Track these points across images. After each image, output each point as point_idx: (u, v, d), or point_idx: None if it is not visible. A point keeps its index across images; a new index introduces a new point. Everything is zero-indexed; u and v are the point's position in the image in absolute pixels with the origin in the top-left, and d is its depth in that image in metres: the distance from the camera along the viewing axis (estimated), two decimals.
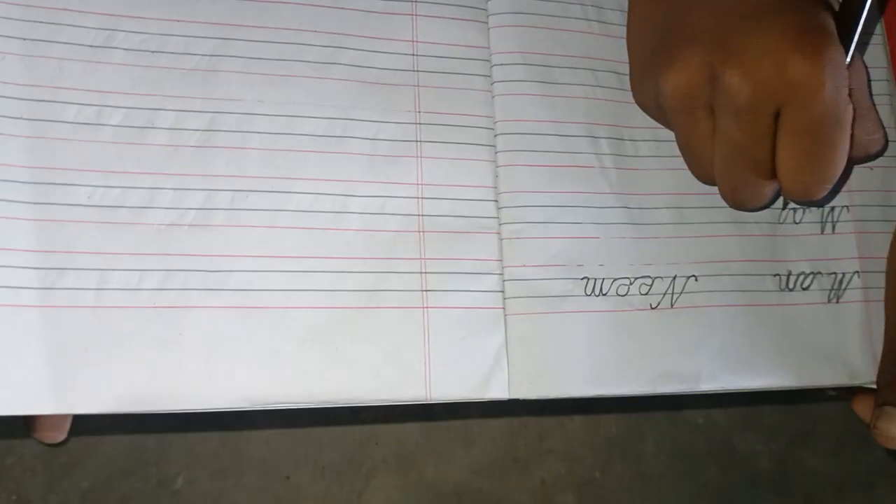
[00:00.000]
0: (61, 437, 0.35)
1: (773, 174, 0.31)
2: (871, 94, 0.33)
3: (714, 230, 0.34)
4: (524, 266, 0.32)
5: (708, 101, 0.30)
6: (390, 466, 0.54)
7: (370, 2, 0.34)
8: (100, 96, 0.30)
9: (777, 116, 0.30)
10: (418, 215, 0.32)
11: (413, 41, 0.34)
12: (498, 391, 0.31)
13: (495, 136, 0.33)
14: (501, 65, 0.34)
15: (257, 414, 0.52)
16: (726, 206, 0.34)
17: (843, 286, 0.34)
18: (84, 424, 0.52)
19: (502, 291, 0.32)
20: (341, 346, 0.30)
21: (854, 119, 0.31)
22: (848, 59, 0.30)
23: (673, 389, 0.32)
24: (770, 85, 0.29)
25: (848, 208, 0.35)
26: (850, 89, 0.31)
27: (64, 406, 0.27)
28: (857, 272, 0.34)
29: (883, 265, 0.35)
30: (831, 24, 0.30)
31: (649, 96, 0.33)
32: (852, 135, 0.31)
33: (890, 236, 0.35)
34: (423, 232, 0.32)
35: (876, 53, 0.37)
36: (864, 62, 0.33)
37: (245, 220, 0.30)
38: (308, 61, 0.32)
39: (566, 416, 0.55)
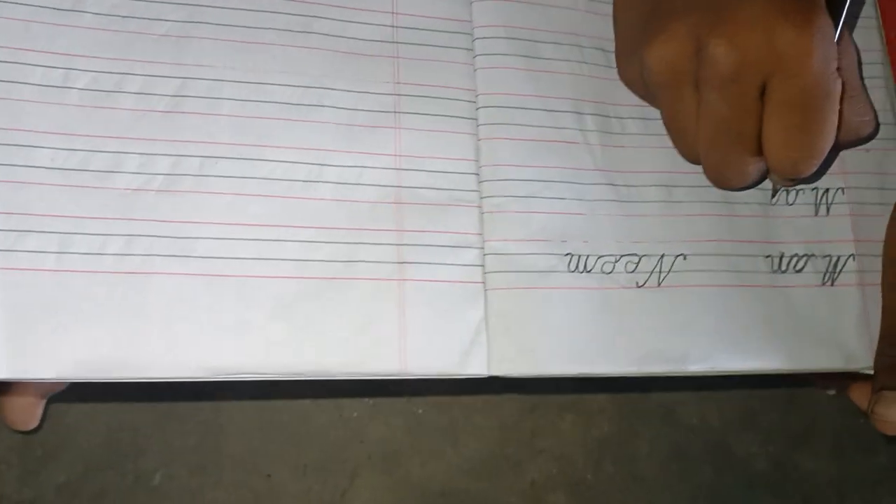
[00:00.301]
0: (33, 423, 0.34)
1: (758, 150, 0.30)
2: (861, 76, 0.32)
3: (704, 209, 0.33)
4: (505, 240, 0.31)
5: (694, 76, 0.30)
6: (375, 465, 0.52)
7: None
8: (67, 59, 0.30)
9: (763, 91, 0.29)
10: (396, 186, 0.31)
11: (393, 13, 0.33)
12: (477, 367, 0.30)
13: (477, 108, 0.32)
14: (484, 38, 0.33)
15: (235, 407, 0.51)
16: None
17: (838, 269, 0.33)
18: (60, 417, 0.51)
19: (482, 266, 0.31)
20: (310, 316, 0.29)
21: (843, 99, 0.30)
22: (836, 35, 0.30)
23: (660, 370, 0.31)
24: (757, 54, 0.28)
25: (843, 190, 0.34)
26: (840, 68, 0.30)
27: (19, 371, 0.26)
28: (853, 255, 0.33)
29: (879, 248, 0.34)
30: None
31: (635, 72, 0.32)
32: (841, 115, 0.30)
33: (886, 219, 0.34)
34: (401, 203, 0.31)
35: (870, 36, 0.36)
36: (854, 43, 0.32)
37: (213, 187, 0.29)
38: (282, 29, 0.32)
39: (558, 415, 0.53)
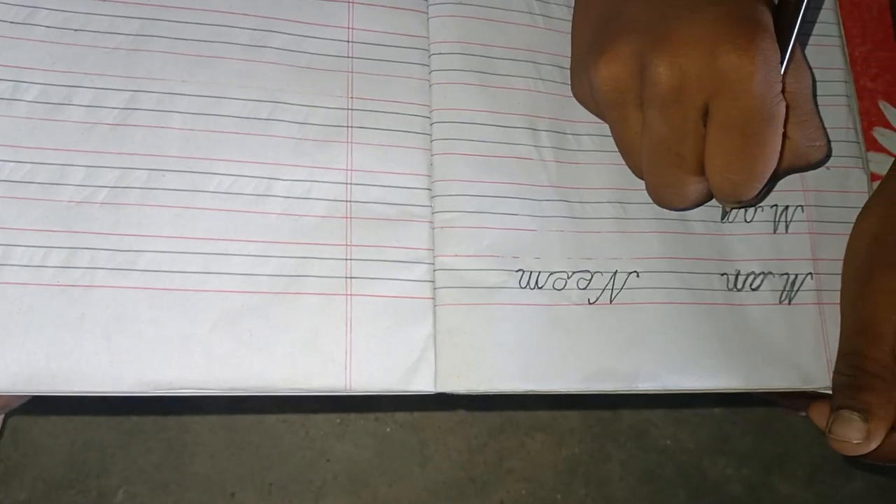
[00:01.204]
0: None
1: (698, 171, 0.30)
2: (815, 100, 0.32)
3: (658, 226, 0.33)
4: (456, 256, 0.31)
5: (638, 95, 0.29)
6: (342, 485, 0.52)
7: None
8: (16, 72, 0.29)
9: (706, 113, 0.28)
10: (346, 201, 0.31)
11: (349, 28, 0.33)
12: (423, 384, 0.29)
13: (431, 124, 0.32)
14: (440, 54, 0.33)
15: (202, 426, 0.51)
16: None
17: (796, 287, 0.33)
18: (24, 434, 0.51)
19: (432, 281, 0.30)
20: (255, 331, 0.28)
21: (795, 124, 0.30)
22: (786, 57, 0.29)
23: (609, 387, 0.30)
24: (697, 75, 0.28)
25: (802, 208, 0.34)
26: (790, 91, 0.29)
27: None
28: (811, 273, 0.33)
29: (838, 267, 0.33)
30: (768, 18, 0.29)
31: (585, 89, 0.32)
32: (790, 140, 0.30)
33: (845, 238, 0.34)
34: (351, 218, 0.30)
35: (832, 55, 0.36)
36: (809, 66, 0.32)
37: (160, 200, 0.29)
38: (237, 43, 0.31)
39: (527, 434, 0.53)
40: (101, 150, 0.29)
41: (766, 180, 0.30)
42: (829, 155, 0.34)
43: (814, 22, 0.37)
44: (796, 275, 0.33)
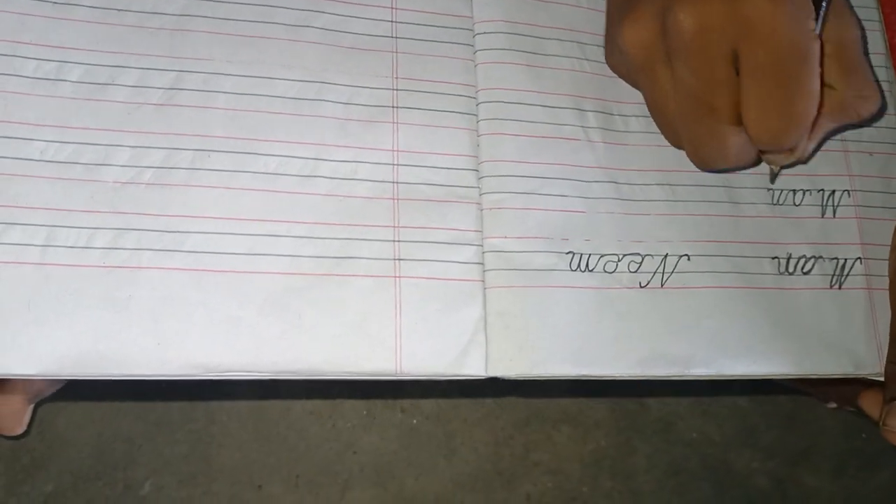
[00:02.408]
0: (20, 428, 0.33)
1: (735, 122, 0.28)
2: (866, 51, 0.30)
3: (708, 209, 0.32)
4: (505, 237, 0.30)
5: (665, 52, 0.28)
6: (368, 477, 0.51)
7: None
8: (61, 52, 0.29)
9: (736, 59, 0.27)
10: (393, 182, 0.30)
11: (392, 8, 0.32)
12: (475, 368, 0.29)
13: (477, 104, 0.32)
14: (485, 33, 0.33)
15: (229, 415, 0.50)
16: (721, 184, 0.33)
17: (846, 272, 0.32)
18: (49, 425, 0.50)
19: (481, 263, 0.30)
20: (303, 313, 0.28)
21: (840, 73, 0.29)
22: (824, 3, 0.28)
23: (663, 373, 0.30)
24: (720, 20, 0.26)
25: (849, 192, 0.33)
26: (833, 40, 0.28)
27: (0, 366, 0.25)
28: (860, 258, 0.33)
29: (885, 252, 0.33)
30: None
31: (617, 56, 0.32)
32: (834, 90, 0.29)
33: (891, 224, 0.33)
34: (398, 199, 0.30)
35: (874, 40, 0.36)
36: (856, 16, 0.30)
37: (206, 181, 0.28)
38: (281, 23, 0.31)
39: (553, 427, 0.52)
40: (147, 131, 0.29)
41: (807, 125, 0.28)
42: (883, 108, 0.33)
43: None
44: (845, 259, 0.33)
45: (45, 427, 0.50)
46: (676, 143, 0.32)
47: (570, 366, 0.29)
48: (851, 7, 0.30)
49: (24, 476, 0.49)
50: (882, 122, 0.35)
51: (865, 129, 0.34)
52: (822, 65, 0.28)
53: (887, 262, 0.33)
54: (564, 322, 0.29)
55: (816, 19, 0.28)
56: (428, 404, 0.54)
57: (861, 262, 0.33)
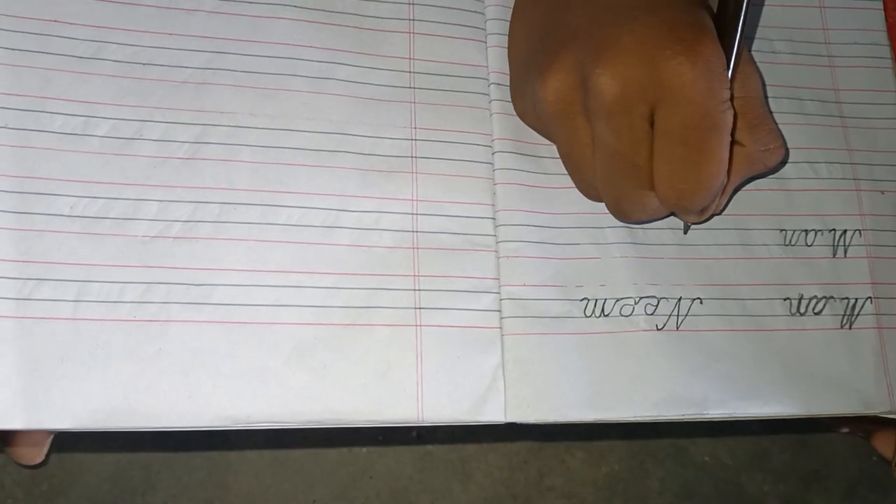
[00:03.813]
0: (39, 458, 0.34)
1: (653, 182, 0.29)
2: (767, 103, 0.31)
3: (719, 252, 0.33)
4: (523, 285, 0.31)
5: (584, 106, 0.29)
6: (384, 502, 0.52)
7: (366, 19, 0.33)
8: (87, 107, 0.30)
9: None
10: (413, 231, 0.31)
11: (410, 59, 0.33)
12: (494, 414, 0.29)
13: (493, 153, 0.32)
14: (499, 84, 0.33)
15: (246, 443, 0.51)
16: (733, 227, 0.33)
17: (856, 312, 0.33)
18: (68, 450, 0.51)
19: (499, 311, 0.31)
20: (329, 363, 0.28)
21: (745, 130, 0.29)
22: (731, 62, 0.29)
23: (679, 415, 0.30)
24: (639, 83, 0.27)
25: (860, 232, 0.34)
26: (739, 97, 0.29)
27: (35, 421, 0.26)
28: (870, 297, 0.33)
29: None
30: (709, 22, 0.28)
31: (528, 106, 0.31)
32: (742, 146, 0.30)
33: None
34: (418, 248, 0.31)
35: (885, 77, 0.37)
36: (757, 69, 0.30)
37: (232, 234, 0.29)
38: (302, 76, 0.32)
39: (567, 451, 0.53)
40: (173, 185, 0.29)
41: (714, 190, 0.29)
42: (786, 159, 0.34)
43: (857, 43, 0.37)
44: (856, 299, 0.33)
45: (64, 454, 0.51)
46: (590, 195, 0.32)
47: (587, 410, 0.30)
48: (753, 60, 0.30)
49: (44, 501, 0.50)
50: (894, 160, 0.35)
51: (877, 167, 0.35)
52: (736, 130, 0.28)
53: None
54: (581, 367, 0.30)
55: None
56: (442, 429, 0.55)
57: (872, 302, 0.33)
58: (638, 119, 0.27)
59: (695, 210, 0.30)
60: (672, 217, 0.33)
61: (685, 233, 0.33)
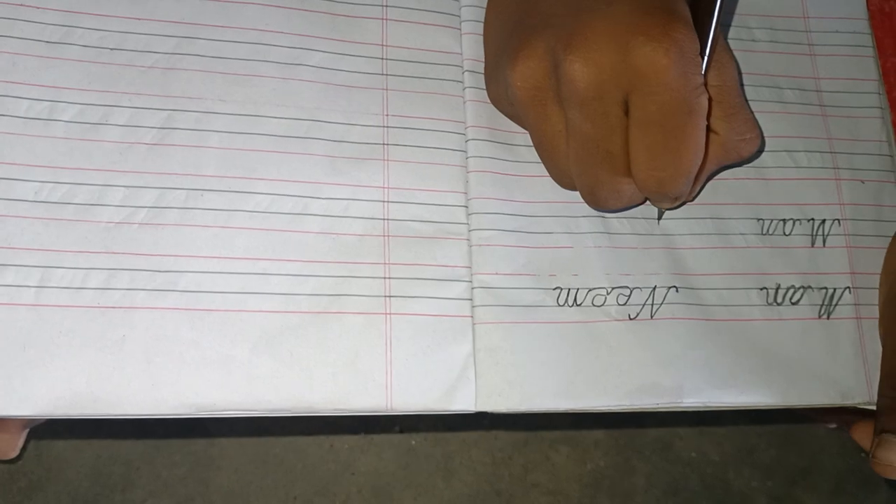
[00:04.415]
0: (13, 453, 0.33)
1: (629, 169, 0.29)
2: (742, 91, 0.30)
3: (695, 242, 0.32)
4: (495, 274, 0.30)
5: (556, 92, 0.28)
6: (366, 499, 0.51)
7: (338, 5, 0.33)
8: (54, 92, 0.29)
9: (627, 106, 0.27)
10: (383, 219, 0.30)
11: (383, 45, 0.33)
12: (464, 403, 0.29)
13: (466, 141, 0.32)
14: (473, 71, 0.33)
15: (226, 433, 0.50)
16: (709, 216, 0.33)
17: (835, 302, 0.33)
18: (47, 448, 0.51)
19: (471, 299, 0.30)
20: (296, 351, 0.28)
21: (721, 117, 0.29)
22: (707, 48, 0.28)
23: (653, 403, 0.30)
24: (612, 70, 0.26)
25: (839, 221, 0.34)
26: (714, 84, 0.29)
27: None
28: (849, 287, 0.33)
29: (875, 281, 0.33)
30: (684, 8, 0.27)
31: (500, 91, 0.31)
32: (716, 133, 0.29)
33: (882, 251, 0.34)
34: (388, 236, 0.30)
35: (866, 66, 0.36)
36: (733, 57, 0.30)
37: (199, 220, 0.29)
38: (272, 61, 0.31)
39: (552, 447, 0.53)
40: (140, 171, 0.29)
41: (692, 175, 0.28)
42: (762, 147, 0.33)
43: (840, 32, 0.37)
44: (835, 289, 0.33)
45: (42, 450, 0.50)
46: (563, 183, 0.31)
47: (559, 399, 0.29)
48: (729, 48, 0.30)
49: (22, 499, 0.50)
50: (875, 149, 0.35)
51: (857, 156, 0.35)
52: (708, 117, 0.28)
53: (877, 291, 0.33)
54: (553, 356, 0.30)
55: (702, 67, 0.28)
56: (426, 425, 0.55)
57: (850, 292, 0.33)
58: (611, 105, 0.27)
59: (671, 196, 0.29)
60: (646, 206, 0.33)
61: (659, 220, 0.32)
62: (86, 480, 0.51)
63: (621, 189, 0.29)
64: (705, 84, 0.28)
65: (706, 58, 0.28)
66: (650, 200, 0.32)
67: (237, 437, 0.51)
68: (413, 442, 0.54)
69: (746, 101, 0.31)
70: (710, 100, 0.28)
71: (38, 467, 0.50)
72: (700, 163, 0.28)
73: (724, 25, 0.35)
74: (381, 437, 0.54)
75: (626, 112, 0.28)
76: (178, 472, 0.51)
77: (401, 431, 0.52)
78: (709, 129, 0.29)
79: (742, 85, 0.32)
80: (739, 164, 0.33)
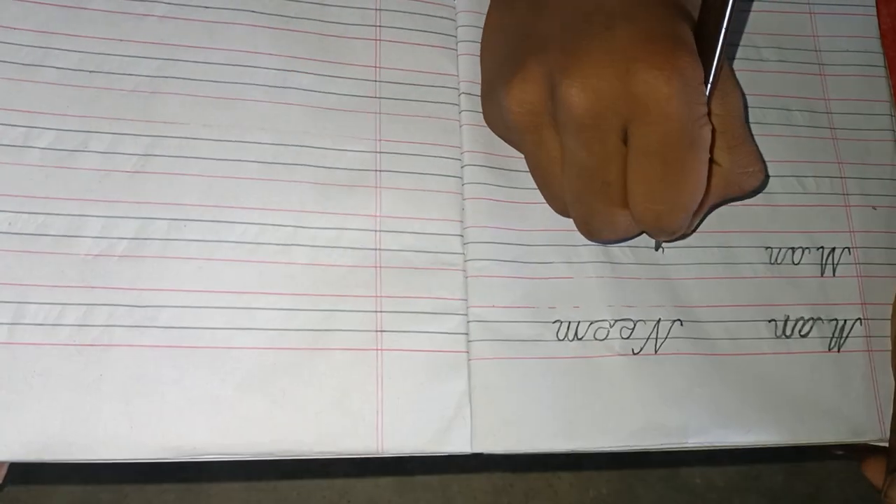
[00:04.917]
0: None
1: (626, 200, 0.27)
2: (747, 123, 0.29)
3: (701, 272, 0.31)
4: (492, 306, 0.29)
5: (553, 117, 0.27)
6: None
7: (329, 25, 0.32)
8: (28, 117, 0.28)
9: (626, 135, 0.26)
10: (375, 249, 0.29)
11: (376, 67, 0.32)
12: (459, 444, 0.28)
13: (462, 167, 0.31)
14: (470, 94, 0.32)
15: (218, 465, 0.49)
16: (716, 245, 0.32)
17: (845, 334, 0.31)
18: (33, 474, 0.49)
19: (466, 334, 0.29)
20: (283, 391, 0.27)
21: (724, 149, 0.28)
22: (710, 77, 0.27)
23: (657, 444, 0.29)
24: (612, 97, 0.25)
25: (849, 250, 0.32)
26: (718, 114, 0.27)
27: None
28: (860, 319, 0.32)
29: (887, 312, 0.32)
30: (688, 34, 0.26)
31: (496, 115, 0.30)
32: (719, 166, 0.28)
33: (894, 281, 0.32)
34: (380, 267, 0.29)
35: (878, 86, 0.35)
36: (739, 86, 0.29)
37: (181, 252, 0.28)
38: (259, 84, 0.30)
39: (554, 474, 0.51)
40: (119, 200, 0.28)
41: (691, 210, 0.27)
42: (766, 181, 0.32)
43: (850, 51, 0.35)
44: (845, 320, 0.31)
45: (29, 476, 0.49)
46: (559, 210, 0.30)
47: (559, 440, 0.28)
48: (735, 75, 0.29)
49: None
50: (887, 174, 0.34)
51: (868, 181, 0.34)
52: (711, 148, 0.27)
53: (889, 322, 0.32)
54: (552, 394, 0.28)
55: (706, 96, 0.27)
56: None
57: (861, 324, 0.32)
58: (609, 134, 0.26)
59: (670, 231, 0.28)
60: (647, 235, 0.31)
61: (656, 250, 0.31)
62: None
63: (616, 221, 0.28)
64: (709, 114, 0.26)
65: (710, 86, 0.27)
66: (647, 233, 0.30)
67: (229, 464, 0.50)
68: (409, 467, 0.53)
69: (751, 132, 0.30)
70: (713, 130, 0.27)
71: (25, 494, 0.49)
72: (700, 197, 0.27)
73: (730, 45, 0.34)
74: (377, 463, 0.52)
75: (625, 141, 0.26)
76: (168, 498, 0.50)
77: (397, 458, 0.51)
78: (711, 160, 0.27)
79: (747, 115, 0.31)
80: (741, 199, 0.32)
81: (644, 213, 0.27)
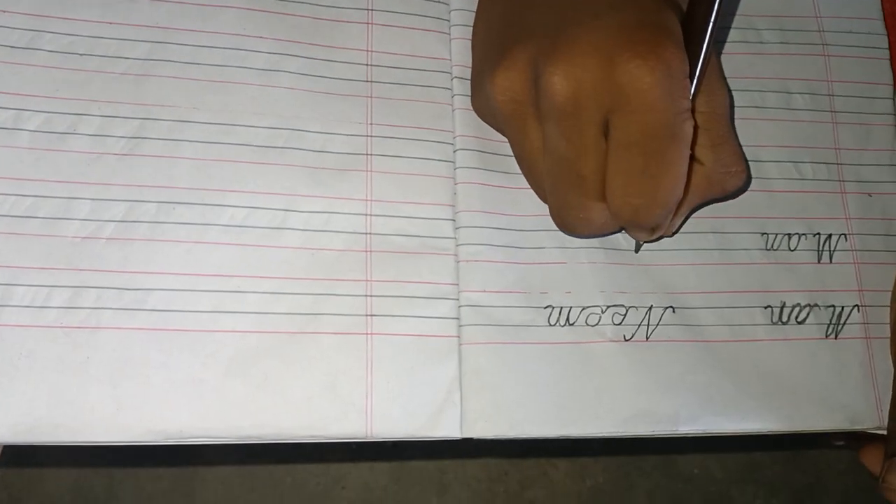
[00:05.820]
0: None
1: (602, 194, 0.27)
2: (732, 122, 0.29)
3: (695, 258, 0.31)
4: (483, 291, 0.29)
5: (537, 107, 0.27)
6: None
7: (321, 9, 0.31)
8: (18, 99, 0.28)
9: (607, 127, 0.26)
10: (366, 233, 0.29)
11: (367, 51, 0.31)
12: (449, 429, 0.27)
13: (454, 151, 0.31)
14: (463, 78, 0.31)
15: (213, 450, 0.49)
16: (710, 230, 0.31)
17: (842, 321, 0.31)
18: (26, 458, 0.49)
19: (457, 318, 0.29)
20: (271, 374, 0.27)
21: (707, 147, 0.27)
22: (697, 70, 0.26)
23: (648, 431, 0.28)
24: (594, 86, 0.25)
25: (846, 236, 0.32)
26: (702, 111, 0.27)
27: None
28: (857, 305, 0.31)
29: (885, 298, 0.32)
30: (675, 25, 0.26)
31: (483, 102, 0.30)
32: (702, 165, 0.28)
33: (892, 268, 0.32)
34: (371, 251, 0.29)
35: (881, 68, 0.34)
36: (726, 84, 0.28)
37: (170, 235, 0.27)
38: (250, 68, 0.30)
39: (549, 463, 0.51)
40: (108, 182, 0.28)
41: (670, 205, 0.27)
42: (748, 183, 0.32)
43: (857, 32, 0.35)
44: (842, 307, 0.31)
45: (22, 462, 0.49)
46: (544, 198, 0.30)
47: (550, 425, 0.28)
48: (723, 75, 0.28)
49: None
50: (885, 160, 0.33)
51: (865, 167, 0.33)
52: (693, 145, 0.26)
53: (888, 309, 0.31)
54: (543, 380, 0.28)
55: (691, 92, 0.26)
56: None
57: (859, 310, 0.31)
58: (588, 124, 0.25)
59: (647, 227, 0.28)
60: (627, 234, 0.31)
61: (636, 252, 0.31)
62: (67, 493, 0.49)
63: (591, 216, 0.27)
64: (693, 109, 0.26)
65: (696, 81, 0.27)
66: (625, 230, 0.30)
67: (222, 447, 0.50)
68: (405, 454, 0.53)
69: (735, 132, 0.29)
70: (696, 127, 0.26)
71: (18, 479, 0.49)
72: (680, 193, 0.27)
73: (724, 28, 0.34)
74: (373, 449, 0.52)
75: (606, 136, 0.26)
76: (162, 485, 0.50)
77: (394, 445, 0.51)
78: (693, 158, 0.27)
79: (733, 114, 0.30)
80: (722, 200, 0.31)
81: (622, 206, 0.26)
